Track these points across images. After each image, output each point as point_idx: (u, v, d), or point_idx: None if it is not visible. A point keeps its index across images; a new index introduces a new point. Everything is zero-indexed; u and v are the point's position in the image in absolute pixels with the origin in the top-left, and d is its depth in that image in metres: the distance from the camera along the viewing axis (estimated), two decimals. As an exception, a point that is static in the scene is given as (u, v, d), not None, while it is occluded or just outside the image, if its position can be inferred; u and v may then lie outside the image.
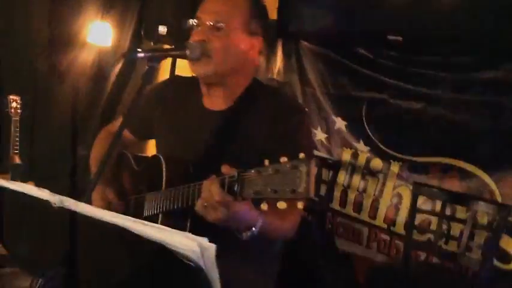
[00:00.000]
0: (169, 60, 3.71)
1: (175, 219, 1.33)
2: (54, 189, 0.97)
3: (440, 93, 2.98)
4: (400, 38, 2.99)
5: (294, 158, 1.03)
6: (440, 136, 3.03)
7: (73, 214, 0.86)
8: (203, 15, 1.54)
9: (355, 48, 3.34)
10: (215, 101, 1.59)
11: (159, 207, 1.39)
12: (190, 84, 1.65)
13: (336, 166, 3.36)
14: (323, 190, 3.41)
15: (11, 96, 3.49)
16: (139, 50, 1.39)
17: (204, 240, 0.79)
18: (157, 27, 3.46)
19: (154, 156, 1.50)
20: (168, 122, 1.64)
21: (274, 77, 3.76)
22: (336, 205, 3.53)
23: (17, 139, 3.49)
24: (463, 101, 2.90)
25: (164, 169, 1.43)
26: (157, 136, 1.67)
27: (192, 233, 0.79)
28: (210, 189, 1.18)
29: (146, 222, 0.81)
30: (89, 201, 1.42)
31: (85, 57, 3.88)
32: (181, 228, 1.30)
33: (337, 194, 3.52)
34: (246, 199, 1.13)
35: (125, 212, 1.55)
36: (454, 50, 2.92)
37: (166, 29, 3.48)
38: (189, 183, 1.30)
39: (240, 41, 1.53)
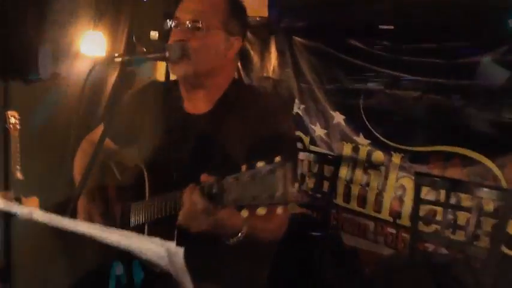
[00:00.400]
0: (162, 64, 3.69)
1: (162, 228, 1.30)
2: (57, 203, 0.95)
3: (437, 81, 2.94)
4: (391, 27, 2.95)
5: (270, 162, 1.00)
6: (440, 124, 2.98)
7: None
8: (181, 15, 1.51)
9: (348, 40, 3.30)
10: (196, 104, 1.56)
11: (144, 217, 1.37)
12: (171, 89, 1.62)
13: (336, 161, 3.31)
14: (326, 186, 3.37)
15: (9, 112, 3.48)
16: (116, 55, 1.36)
17: (171, 245, 0.76)
18: (149, 32, 3.45)
19: (136, 166, 1.47)
20: (149, 128, 1.61)
21: (270, 75, 3.73)
22: (339, 201, 3.49)
23: (18, 154, 3.48)
24: (460, 86, 2.85)
25: (146, 178, 1.40)
26: (138, 143, 1.64)
27: (180, 241, 0.77)
28: (191, 199, 1.15)
29: (113, 228, 0.78)
30: (73, 214, 1.39)
31: (79, 69, 3.87)
32: (169, 236, 1.27)
33: (340, 189, 3.48)
34: (226, 207, 1.10)
35: (112, 224, 1.52)
36: (448, 36, 2.87)
37: (157, 34, 3.47)
38: (172, 190, 1.27)
39: (219, 41, 1.51)
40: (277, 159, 0.99)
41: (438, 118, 3.00)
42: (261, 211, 1.01)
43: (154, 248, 0.75)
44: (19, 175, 3.48)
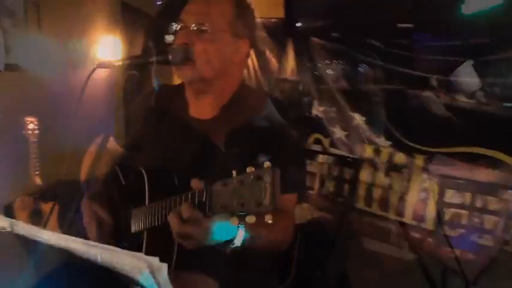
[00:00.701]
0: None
1: (161, 236, 1.25)
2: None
3: (460, 79, 2.83)
4: (411, 25, 2.86)
5: (259, 167, 0.94)
6: (465, 124, 2.87)
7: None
8: (186, 17, 1.46)
9: (367, 40, 3.22)
10: (201, 109, 1.51)
11: (143, 223, 1.32)
12: (176, 93, 1.58)
13: (357, 164, 3.22)
14: (346, 190, 3.29)
15: (28, 118, 3.51)
16: (117, 59, 1.33)
17: (155, 260, 0.70)
18: (164, 37, 3.42)
19: (137, 170, 1.43)
20: (153, 133, 1.57)
21: (287, 76, 3.67)
22: (361, 204, 3.40)
23: (36, 160, 3.50)
24: (485, 84, 2.74)
25: (146, 183, 1.36)
26: (143, 148, 1.60)
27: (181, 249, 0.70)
28: (178, 208, 1.10)
29: (92, 242, 0.73)
30: (77, 215, 1.36)
31: (98, 74, 3.88)
32: (168, 244, 1.22)
33: (361, 192, 3.39)
34: (214, 214, 1.04)
35: (115, 229, 1.48)
36: (473, 33, 2.77)
37: (173, 38, 3.44)
38: (176, 194, 1.21)
39: (225, 44, 1.45)
40: (266, 164, 0.93)
41: (462, 118, 2.89)
42: (250, 219, 0.95)
43: (135, 263, 0.70)
44: (38, 180, 3.51)
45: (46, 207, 3.25)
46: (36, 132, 3.45)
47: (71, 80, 3.75)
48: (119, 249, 0.73)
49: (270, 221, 0.93)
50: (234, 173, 0.99)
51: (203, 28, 1.41)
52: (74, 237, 0.74)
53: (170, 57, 1.38)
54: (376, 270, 3.14)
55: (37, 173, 3.44)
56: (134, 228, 1.35)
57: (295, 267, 1.71)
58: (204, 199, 1.05)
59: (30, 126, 3.47)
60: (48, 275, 1.57)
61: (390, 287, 3.10)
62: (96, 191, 1.51)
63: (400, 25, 3.08)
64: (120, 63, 1.34)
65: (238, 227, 1.11)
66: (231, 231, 1.12)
